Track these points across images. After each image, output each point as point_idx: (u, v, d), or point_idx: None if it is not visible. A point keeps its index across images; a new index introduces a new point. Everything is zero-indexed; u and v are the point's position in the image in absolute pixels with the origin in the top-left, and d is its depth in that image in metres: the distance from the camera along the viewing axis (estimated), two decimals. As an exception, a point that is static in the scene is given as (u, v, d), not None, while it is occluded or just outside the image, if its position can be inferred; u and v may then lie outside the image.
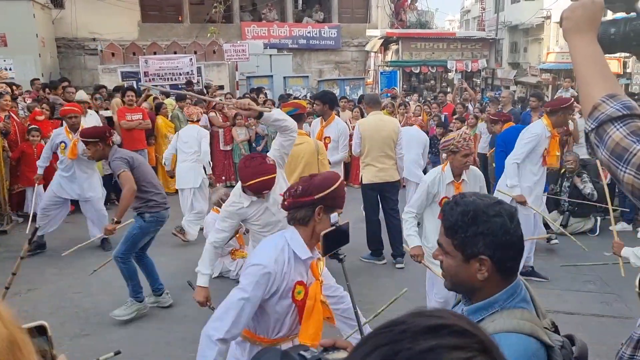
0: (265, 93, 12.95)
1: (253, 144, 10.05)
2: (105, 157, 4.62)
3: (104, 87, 10.55)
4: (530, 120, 7.83)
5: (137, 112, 8.48)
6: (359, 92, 15.00)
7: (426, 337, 0.60)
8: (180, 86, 12.85)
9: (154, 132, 9.06)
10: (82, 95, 7.77)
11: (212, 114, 9.91)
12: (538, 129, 5.17)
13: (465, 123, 8.83)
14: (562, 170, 7.15)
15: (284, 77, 15.13)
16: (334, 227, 2.17)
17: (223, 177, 9.94)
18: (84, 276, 5.46)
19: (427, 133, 8.76)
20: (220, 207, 5.64)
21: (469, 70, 17.57)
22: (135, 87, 12.90)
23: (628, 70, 19.72)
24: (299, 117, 4.96)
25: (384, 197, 5.93)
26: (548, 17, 29.07)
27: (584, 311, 4.83)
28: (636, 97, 7.15)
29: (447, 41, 17.80)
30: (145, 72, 13.08)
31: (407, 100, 12.51)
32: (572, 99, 5.66)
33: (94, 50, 16.32)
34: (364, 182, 5.94)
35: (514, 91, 30.76)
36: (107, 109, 8.94)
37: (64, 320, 4.73)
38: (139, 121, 8.41)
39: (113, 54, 14.36)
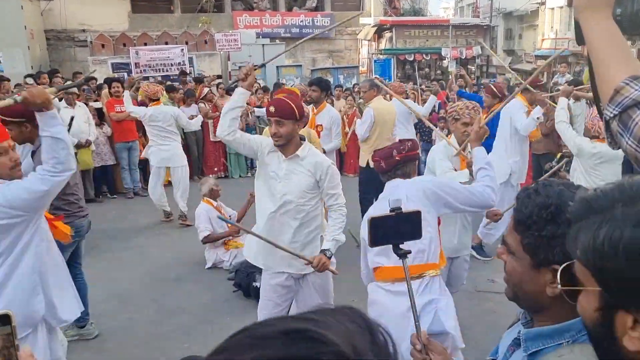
0: (259, 83, 12.83)
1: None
2: (32, 140, 3.39)
3: (94, 77, 10.41)
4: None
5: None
6: (353, 80, 14.89)
7: (265, 345, 0.51)
8: (172, 77, 12.71)
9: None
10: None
11: (201, 104, 9.80)
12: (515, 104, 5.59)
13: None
14: (560, 156, 7.07)
15: (277, 67, 14.99)
16: (392, 213, 1.75)
17: (215, 169, 9.85)
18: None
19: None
20: (210, 198, 5.58)
21: (463, 58, 17.46)
22: (126, 78, 12.81)
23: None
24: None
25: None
26: (543, 4, 28.95)
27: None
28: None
29: (441, 28, 17.68)
30: (136, 64, 12.93)
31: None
32: (542, 80, 5.95)
33: (83, 42, 16.13)
34: (370, 166, 5.73)
35: (509, 78, 30.70)
36: (96, 100, 8.82)
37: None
38: (128, 112, 8.27)
39: (103, 45, 14.20)
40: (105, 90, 8.95)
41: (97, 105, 8.57)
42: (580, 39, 1.31)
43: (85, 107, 7.72)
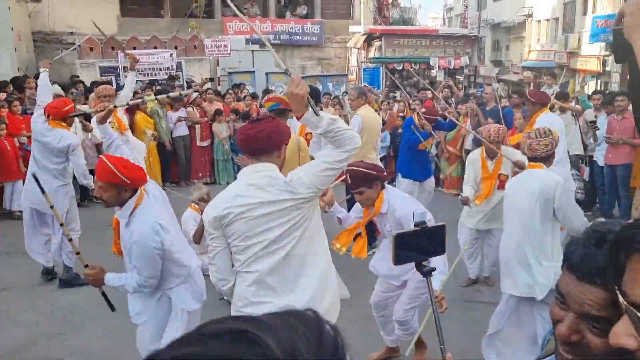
0: (247, 89, 12.84)
1: (232, 141, 9.94)
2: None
3: (81, 82, 10.34)
4: (513, 117, 7.85)
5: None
6: (342, 88, 14.96)
7: (207, 342, 0.52)
8: (161, 81, 12.66)
9: (132, 127, 8.89)
10: (56, 89, 7.58)
11: (189, 108, 9.78)
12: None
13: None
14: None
15: (266, 73, 15.01)
16: (417, 228, 1.66)
17: (200, 174, 9.83)
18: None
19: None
20: (198, 205, 5.55)
21: (451, 67, 17.62)
22: (114, 82, 12.72)
23: (607, 69, 19.95)
24: (282, 112, 4.87)
25: None
26: (530, 16, 29.36)
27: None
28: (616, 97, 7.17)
29: (430, 38, 17.84)
30: (124, 67, 12.83)
31: (392, 96, 12.51)
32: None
33: (71, 45, 15.99)
34: None
35: (497, 88, 31.02)
36: (85, 103, 8.76)
37: (37, 320, 4.59)
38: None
39: (91, 49, 14.10)
40: (93, 94, 8.90)
41: (84, 108, 8.51)
42: (619, 57, 1.32)
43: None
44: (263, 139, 2.41)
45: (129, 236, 2.87)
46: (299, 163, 4.75)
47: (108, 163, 2.79)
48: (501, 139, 4.93)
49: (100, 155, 3.08)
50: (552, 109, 7.29)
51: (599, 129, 7.36)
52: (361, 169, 3.43)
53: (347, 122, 6.14)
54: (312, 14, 19.36)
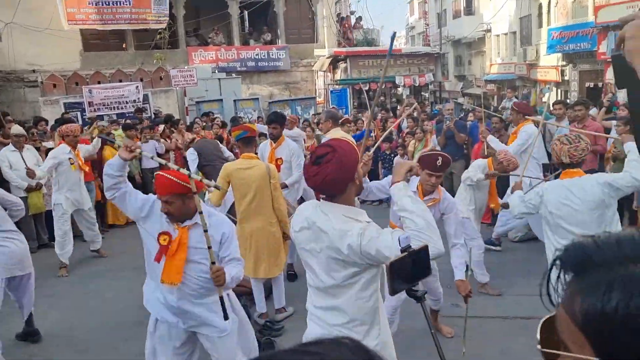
0: (216, 117, 12.80)
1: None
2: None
3: (44, 120, 10.15)
4: (478, 130, 8.01)
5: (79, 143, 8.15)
6: (311, 111, 15.06)
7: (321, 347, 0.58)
8: (127, 114, 12.53)
9: (101, 162, 8.75)
10: (17, 129, 7.42)
11: (162, 141, 9.69)
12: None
13: (414, 136, 9.00)
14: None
15: (234, 100, 15.03)
16: (405, 254, 1.63)
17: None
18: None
19: (379, 149, 8.85)
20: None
21: (417, 85, 17.94)
22: (80, 118, 12.54)
23: (566, 78, 20.58)
24: (249, 140, 4.87)
25: None
26: (488, 31, 30.23)
27: (541, 315, 4.87)
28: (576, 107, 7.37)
29: (394, 57, 18.16)
30: (89, 102, 12.68)
31: (359, 117, 12.63)
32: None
33: (34, 82, 15.77)
34: None
35: (462, 102, 31.70)
36: (49, 140, 8.60)
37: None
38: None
39: (55, 85, 13.88)
40: (57, 132, 8.75)
41: (50, 145, 8.35)
42: (620, 83, 1.28)
43: (34, 150, 7.51)
44: (329, 184, 2.19)
45: (218, 225, 3.03)
46: (270, 190, 4.74)
47: (168, 176, 2.92)
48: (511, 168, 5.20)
49: (157, 173, 3.14)
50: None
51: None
52: (448, 157, 3.89)
53: (319, 143, 6.21)
54: (277, 40, 19.54)
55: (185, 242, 3.00)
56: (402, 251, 1.65)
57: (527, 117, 6.44)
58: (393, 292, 1.66)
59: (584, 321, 0.69)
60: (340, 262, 2.17)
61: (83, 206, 6.83)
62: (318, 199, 2.39)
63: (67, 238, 6.61)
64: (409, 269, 1.61)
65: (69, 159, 6.60)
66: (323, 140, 6.09)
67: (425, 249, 1.68)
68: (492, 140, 6.33)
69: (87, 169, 7.05)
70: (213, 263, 2.87)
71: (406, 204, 2.13)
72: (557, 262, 0.76)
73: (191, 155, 7.37)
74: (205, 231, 2.80)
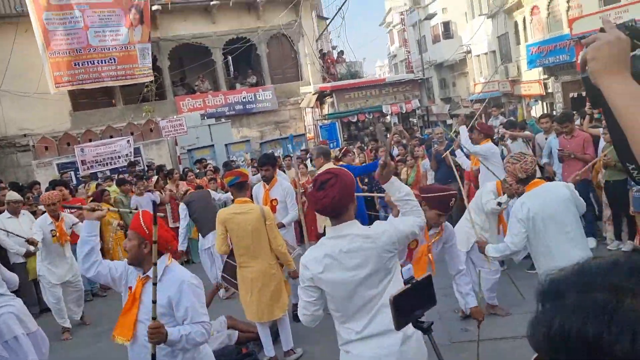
0: (209, 163, 12.87)
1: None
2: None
3: (38, 183, 10.19)
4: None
5: (75, 203, 8.18)
6: (302, 148, 15.16)
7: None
8: (121, 169, 12.60)
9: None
10: (13, 195, 7.42)
11: (157, 192, 9.72)
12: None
13: (406, 164, 9.06)
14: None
15: (226, 145, 15.13)
16: (408, 286, 1.64)
17: (176, 254, 9.65)
18: None
19: (373, 178, 8.89)
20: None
21: (404, 112, 18.14)
22: (74, 177, 12.59)
23: (550, 91, 20.88)
24: (242, 185, 4.90)
25: None
26: (469, 52, 30.81)
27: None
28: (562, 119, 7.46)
29: (379, 87, 18.43)
30: (82, 161, 12.76)
31: (350, 148, 12.73)
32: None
33: (26, 147, 15.88)
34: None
35: (451, 124, 32.03)
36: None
37: None
38: (78, 212, 8.10)
39: (47, 148, 13.99)
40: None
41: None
42: (595, 103, 1.30)
43: (31, 215, 7.49)
44: (336, 204, 2.49)
45: (171, 284, 2.84)
46: (267, 232, 4.74)
47: (140, 216, 2.93)
48: None
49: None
50: (502, 138, 7.57)
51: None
52: (456, 192, 3.94)
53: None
54: (263, 81, 19.83)
55: (138, 297, 2.87)
56: (405, 283, 1.66)
57: (487, 136, 7.03)
58: (399, 326, 1.65)
59: (537, 346, 0.76)
60: (391, 258, 2.49)
61: (68, 277, 6.57)
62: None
63: (62, 305, 6.49)
64: (414, 301, 1.62)
65: (51, 230, 6.40)
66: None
67: (428, 278, 1.69)
68: (463, 131, 7.05)
69: (68, 239, 6.59)
70: (154, 318, 2.70)
71: (407, 189, 2.64)
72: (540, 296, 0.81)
73: (182, 212, 7.38)
74: (154, 284, 2.68)
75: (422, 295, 1.66)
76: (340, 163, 7.94)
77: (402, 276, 1.71)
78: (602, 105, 1.26)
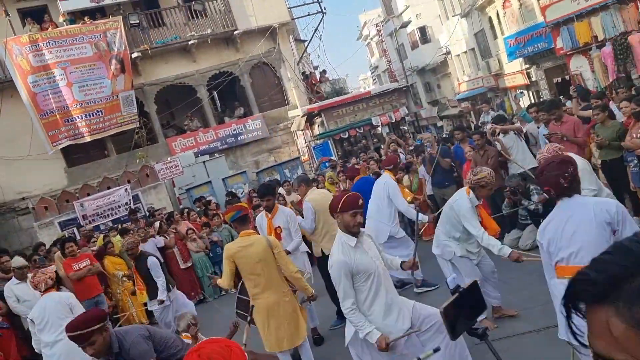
0: (209, 200, 12.89)
1: (210, 254, 9.89)
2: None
3: (43, 244, 10.21)
4: (463, 152, 8.14)
5: (83, 259, 8.19)
6: (298, 171, 15.21)
7: None
8: (122, 218, 12.62)
9: (103, 272, 8.75)
10: (19, 261, 7.43)
11: (162, 237, 9.73)
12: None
13: (409, 170, 9.15)
14: (506, 189, 7.27)
15: (223, 179, 15.17)
16: (456, 295, 1.60)
17: (192, 293, 9.62)
18: None
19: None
20: (189, 333, 5.40)
21: (393, 121, 18.24)
22: (76, 233, 12.60)
23: (534, 79, 21.05)
24: (244, 218, 4.91)
25: None
26: (448, 53, 31.11)
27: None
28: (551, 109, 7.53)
29: (365, 100, 18.55)
30: (83, 216, 12.78)
31: (347, 165, 12.80)
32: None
33: (25, 210, 15.92)
34: (326, 253, 5.76)
35: (442, 126, 32.24)
36: (49, 265, 8.60)
37: None
38: (87, 268, 8.11)
39: (46, 208, 14.03)
40: (57, 253, 8.77)
41: (52, 269, 8.34)
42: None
43: (40, 277, 7.47)
44: None
45: None
46: (275, 261, 4.74)
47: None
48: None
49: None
50: (494, 133, 7.63)
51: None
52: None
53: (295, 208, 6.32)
54: (250, 111, 19.96)
55: None
56: (452, 293, 1.63)
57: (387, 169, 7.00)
58: (454, 336, 1.62)
59: None
60: None
61: None
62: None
63: None
64: (463, 309, 1.58)
65: None
66: (304, 205, 6.17)
67: (475, 284, 1.68)
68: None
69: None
70: None
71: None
72: (571, 297, 0.81)
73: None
74: None
75: (471, 302, 1.63)
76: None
77: (449, 286, 1.68)
78: None
